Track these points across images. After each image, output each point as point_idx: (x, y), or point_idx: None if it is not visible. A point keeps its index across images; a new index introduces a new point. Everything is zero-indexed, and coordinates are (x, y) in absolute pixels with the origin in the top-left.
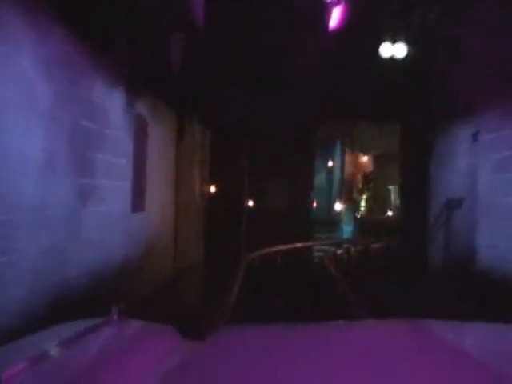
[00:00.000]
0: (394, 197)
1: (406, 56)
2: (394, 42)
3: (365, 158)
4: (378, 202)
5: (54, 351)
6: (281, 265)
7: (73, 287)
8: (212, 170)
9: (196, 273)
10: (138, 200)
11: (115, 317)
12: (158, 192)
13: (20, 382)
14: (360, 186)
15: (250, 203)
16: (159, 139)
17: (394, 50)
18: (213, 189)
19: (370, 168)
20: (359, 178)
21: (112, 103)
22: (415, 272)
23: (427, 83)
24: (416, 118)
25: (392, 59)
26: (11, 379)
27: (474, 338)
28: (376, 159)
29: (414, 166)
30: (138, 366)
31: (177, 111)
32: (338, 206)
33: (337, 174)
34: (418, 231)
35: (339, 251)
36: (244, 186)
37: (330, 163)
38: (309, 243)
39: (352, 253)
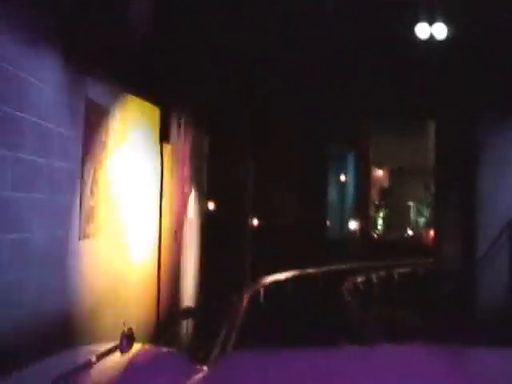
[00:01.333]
0: (413, 214)
1: (446, 38)
2: (431, 22)
3: (380, 172)
4: (396, 219)
5: (65, 377)
6: (292, 299)
7: None
8: (210, 183)
9: (184, 311)
10: (90, 222)
11: (124, 341)
12: (131, 209)
13: None
14: (376, 202)
15: (255, 222)
16: (131, 138)
17: (432, 30)
18: (211, 206)
19: (385, 183)
20: (374, 193)
21: (36, 76)
22: (463, 315)
23: (474, 70)
24: (458, 115)
25: (427, 43)
26: None
27: (487, 364)
28: (392, 173)
29: (454, 177)
30: None
31: (159, 104)
32: (353, 225)
33: (350, 189)
34: (460, 256)
35: (359, 279)
36: (248, 203)
37: (343, 177)
38: (323, 269)
39: (375, 281)
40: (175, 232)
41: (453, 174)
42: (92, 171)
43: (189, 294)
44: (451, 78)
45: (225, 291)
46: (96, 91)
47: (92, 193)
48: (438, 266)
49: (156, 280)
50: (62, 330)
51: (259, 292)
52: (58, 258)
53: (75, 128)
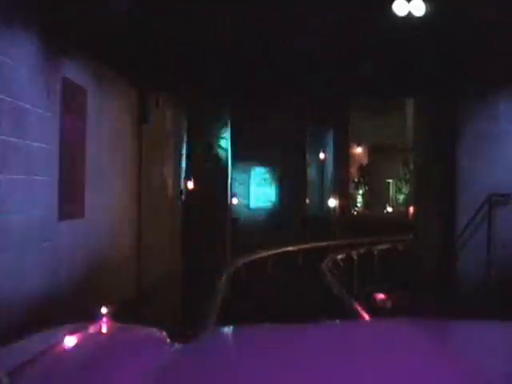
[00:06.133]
0: (392, 191)
1: (425, 15)
2: None
3: (359, 149)
4: (376, 196)
5: (43, 355)
6: (271, 276)
7: None
8: (190, 162)
9: (166, 290)
10: (70, 202)
11: (103, 320)
12: (110, 190)
13: None
14: (355, 179)
15: (235, 200)
16: (110, 119)
17: (410, 7)
18: (191, 185)
19: (364, 160)
20: (354, 171)
21: (11, 56)
22: (444, 290)
23: (453, 47)
24: (437, 91)
25: (405, 20)
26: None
27: (471, 336)
28: (371, 150)
29: (433, 153)
30: (126, 369)
31: (137, 85)
32: (332, 202)
33: (329, 167)
34: (440, 231)
35: (339, 256)
36: (227, 182)
37: (322, 155)
38: (303, 246)
39: (355, 258)
40: (155, 208)
41: (432, 149)
42: (71, 151)
43: (170, 271)
44: (430, 55)
45: (206, 269)
46: (73, 71)
47: (71, 173)
48: (418, 241)
49: (137, 259)
50: (40, 311)
51: (240, 270)
52: (36, 239)
53: (52, 108)
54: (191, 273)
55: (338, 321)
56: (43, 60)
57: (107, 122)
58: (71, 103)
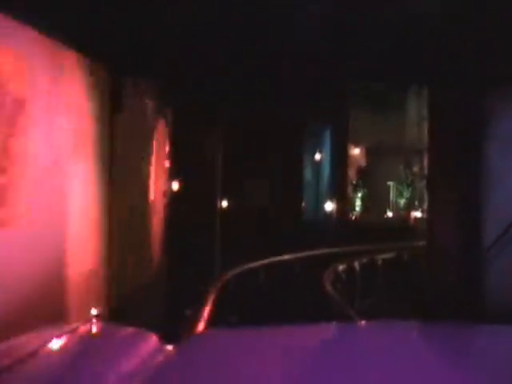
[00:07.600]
0: (393, 195)
1: None
2: None
3: (357, 150)
4: (375, 200)
5: (33, 355)
6: (267, 288)
7: None
8: (175, 161)
9: (138, 307)
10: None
11: (94, 320)
12: (63, 192)
13: None
14: (353, 181)
15: (225, 203)
16: (66, 101)
17: None
18: (175, 186)
19: (363, 161)
20: (352, 172)
21: None
22: (466, 311)
23: (479, 26)
24: (458, 80)
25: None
26: None
27: (471, 339)
28: (370, 151)
29: (452, 152)
30: (116, 370)
31: (109, 65)
32: (329, 206)
33: (326, 169)
34: (462, 243)
35: (341, 267)
36: (216, 182)
37: (318, 156)
38: (300, 254)
39: (357, 269)
40: (131, 211)
41: (451, 149)
42: (1, 140)
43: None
44: (450, 38)
45: (194, 277)
46: (7, 33)
47: (2, 168)
48: (433, 252)
49: (102, 275)
50: None
51: (230, 281)
52: None
53: None
54: (177, 280)
55: (334, 323)
56: None
57: (62, 106)
58: (4, 74)
